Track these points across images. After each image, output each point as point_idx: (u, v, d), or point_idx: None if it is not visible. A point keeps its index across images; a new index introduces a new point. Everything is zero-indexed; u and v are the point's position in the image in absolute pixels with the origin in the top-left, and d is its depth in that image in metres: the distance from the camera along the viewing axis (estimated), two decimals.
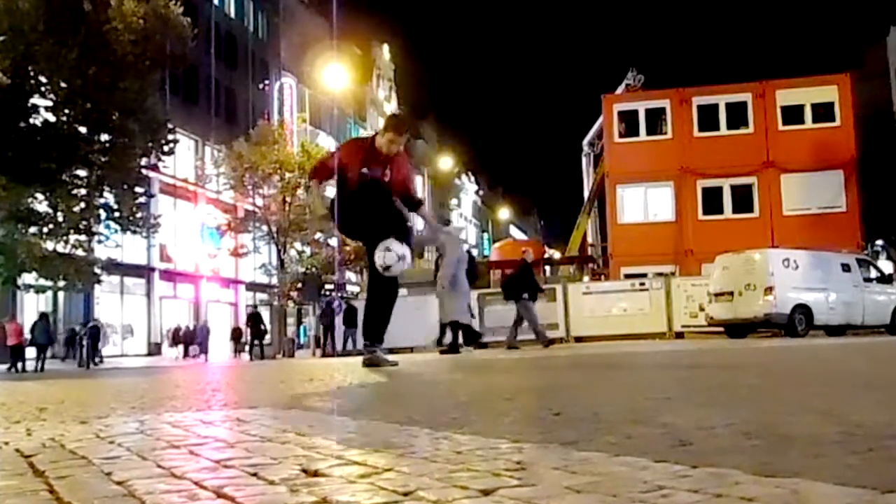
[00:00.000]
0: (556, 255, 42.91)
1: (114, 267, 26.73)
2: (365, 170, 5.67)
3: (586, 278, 30.33)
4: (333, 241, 33.62)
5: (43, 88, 21.04)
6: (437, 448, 1.50)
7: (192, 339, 31.55)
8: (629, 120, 28.00)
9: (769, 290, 15.72)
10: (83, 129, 21.76)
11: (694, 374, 4.27)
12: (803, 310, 15.73)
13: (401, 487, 1.12)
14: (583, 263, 33.53)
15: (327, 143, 41.48)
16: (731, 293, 16.53)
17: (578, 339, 19.40)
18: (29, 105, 20.88)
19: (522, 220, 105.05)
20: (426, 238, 8.09)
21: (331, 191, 6.03)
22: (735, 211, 26.30)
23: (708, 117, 26.96)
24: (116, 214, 22.95)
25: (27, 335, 22.70)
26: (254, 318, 28.73)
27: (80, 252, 22.50)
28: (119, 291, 33.59)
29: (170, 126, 24.19)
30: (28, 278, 23.61)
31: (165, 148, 24.20)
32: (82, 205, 21.95)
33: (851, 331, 16.35)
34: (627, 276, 24.02)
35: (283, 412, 2.54)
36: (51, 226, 21.64)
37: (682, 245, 25.84)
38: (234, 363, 21.80)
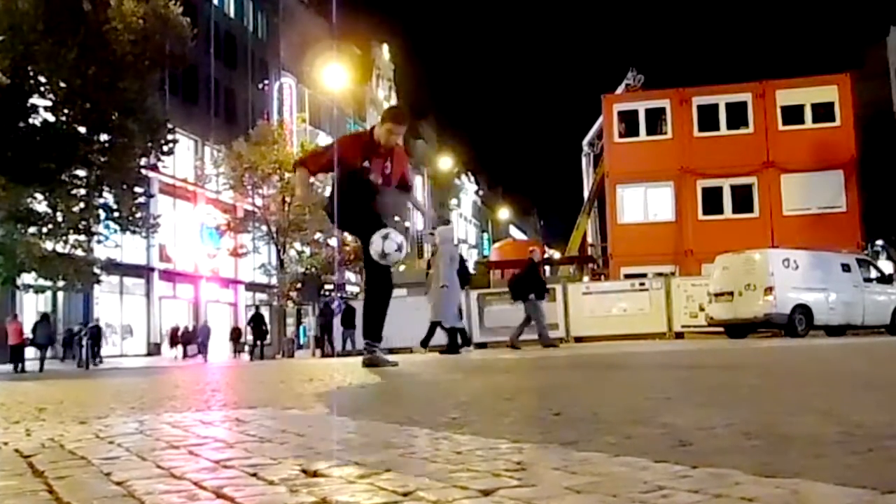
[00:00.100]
0: (556, 255, 42.91)
1: (113, 267, 26.73)
2: (367, 163, 5.65)
3: (586, 278, 30.32)
4: (333, 241, 33.63)
5: (42, 88, 21.05)
6: (437, 448, 1.50)
7: (190, 340, 31.55)
8: (629, 120, 28.00)
9: (769, 290, 15.72)
10: (82, 129, 21.76)
11: (694, 375, 4.27)
12: (803, 310, 15.73)
13: (401, 487, 1.12)
14: (583, 263, 33.52)
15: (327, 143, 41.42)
16: (731, 293, 16.54)
17: (578, 340, 19.41)
18: (28, 105, 20.88)
19: (522, 220, 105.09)
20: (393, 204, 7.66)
21: (328, 192, 6.03)
22: (735, 211, 26.31)
23: (708, 117, 26.96)
24: (116, 214, 22.95)
25: (28, 335, 22.72)
26: (256, 319, 28.71)
27: (79, 252, 22.51)
28: (118, 291, 33.57)
29: (169, 126, 24.19)
30: (27, 278, 23.61)
31: (165, 148, 24.21)
32: (82, 205, 21.95)
33: (851, 331, 16.36)
34: (627, 277, 24.02)
35: (283, 412, 2.53)
36: (50, 226, 21.65)
37: (682, 245, 25.85)
38: (234, 363, 21.80)
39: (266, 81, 45.61)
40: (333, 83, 42.09)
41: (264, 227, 34.14)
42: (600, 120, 30.33)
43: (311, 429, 1.96)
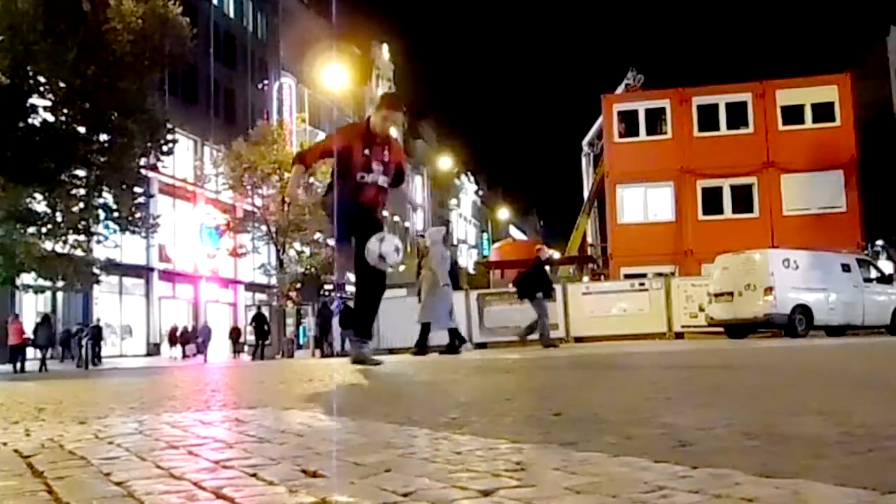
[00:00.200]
0: (556, 255, 42.88)
1: (113, 267, 26.71)
2: (367, 151, 5.70)
3: (586, 278, 30.33)
4: (333, 241, 33.56)
5: (42, 88, 21.03)
6: (437, 448, 1.50)
7: (189, 340, 31.56)
8: (629, 120, 28.00)
9: (769, 290, 15.72)
10: (82, 129, 21.75)
11: (694, 375, 4.27)
12: (803, 310, 15.72)
13: (401, 487, 1.12)
14: (582, 263, 33.53)
15: None
16: (731, 293, 16.53)
17: (578, 340, 19.39)
18: (28, 105, 20.86)
19: (522, 220, 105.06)
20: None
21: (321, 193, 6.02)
22: (735, 211, 26.31)
23: (708, 117, 26.96)
24: (115, 214, 22.93)
25: (29, 336, 22.74)
26: (258, 319, 28.72)
27: (78, 252, 22.49)
28: (118, 292, 33.56)
29: (169, 126, 24.16)
30: (27, 278, 23.60)
31: (164, 148, 24.19)
32: (81, 205, 21.94)
33: (851, 331, 16.35)
34: (627, 277, 24.00)
35: (282, 412, 2.53)
36: (49, 226, 21.63)
37: (681, 245, 25.85)
38: (234, 363, 21.80)
39: (266, 81, 45.61)
40: (333, 83, 42.08)
41: (264, 228, 34.12)
42: (600, 120, 30.33)
43: (310, 429, 1.95)
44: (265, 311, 33.73)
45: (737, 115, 26.85)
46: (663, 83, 31.12)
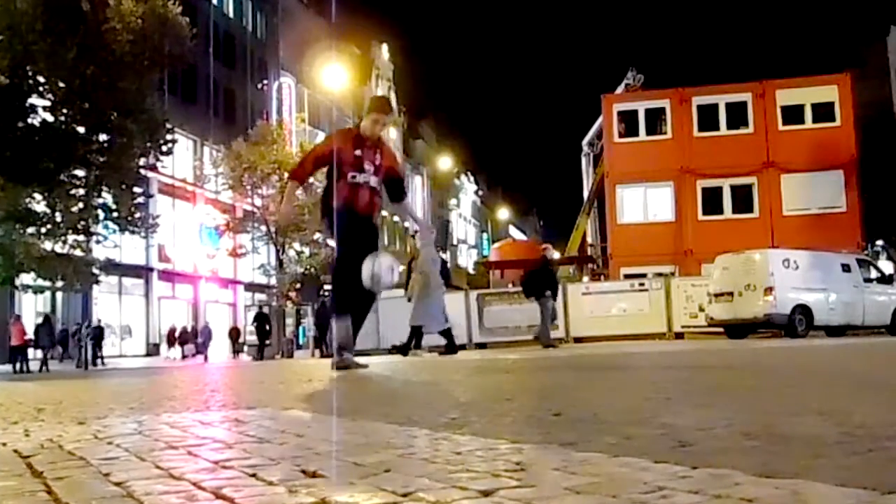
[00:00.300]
0: (556, 255, 42.91)
1: (112, 267, 26.71)
2: (358, 152, 5.72)
3: (586, 278, 30.35)
4: (332, 242, 33.54)
5: (41, 88, 21.02)
6: (437, 449, 1.49)
7: (188, 340, 31.54)
8: (629, 120, 28.01)
9: (769, 290, 15.72)
10: (81, 129, 21.74)
11: (694, 375, 4.27)
12: (803, 310, 15.72)
13: (400, 488, 1.11)
14: (582, 264, 33.55)
15: None
16: (731, 293, 16.53)
17: (578, 340, 19.39)
18: (27, 105, 20.86)
19: (522, 220, 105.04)
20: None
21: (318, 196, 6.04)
22: (735, 211, 26.32)
23: (708, 117, 26.97)
24: (115, 214, 22.93)
25: (31, 336, 22.76)
26: (260, 319, 28.72)
27: (78, 252, 22.49)
28: (117, 292, 33.55)
29: (168, 126, 24.15)
30: (26, 278, 23.60)
31: (164, 148, 24.18)
32: (80, 205, 21.93)
33: (851, 331, 16.35)
34: (627, 277, 24.02)
35: (282, 413, 2.53)
36: (49, 226, 21.63)
37: (681, 245, 25.85)
38: (233, 363, 21.80)
39: (265, 81, 45.60)
40: (333, 83, 42.06)
41: (263, 228, 34.10)
42: (600, 120, 30.34)
43: (310, 429, 1.95)
44: (265, 311, 33.74)
45: (737, 115, 26.86)
46: (663, 83, 31.17)
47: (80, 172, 21.92)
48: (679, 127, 27.01)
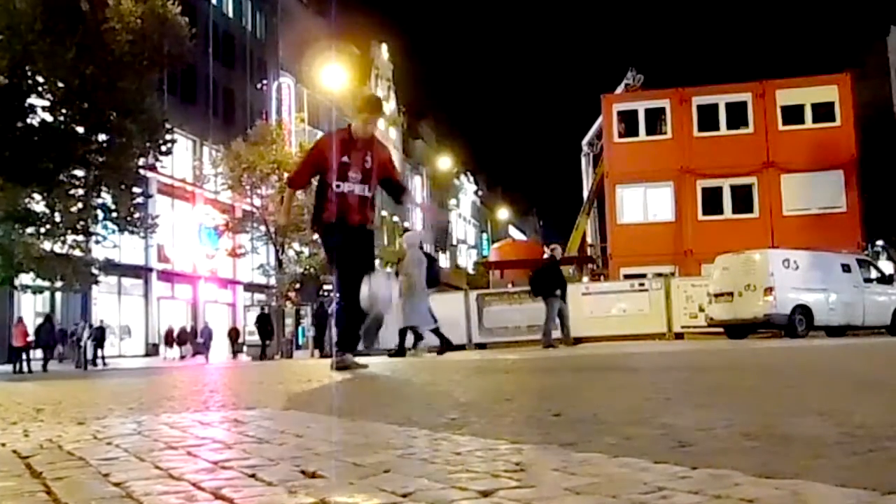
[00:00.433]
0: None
1: (111, 267, 26.72)
2: (346, 158, 5.62)
3: (586, 279, 30.32)
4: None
5: (40, 88, 21.03)
6: (436, 449, 1.49)
7: (186, 340, 31.49)
8: (629, 120, 28.01)
9: (769, 290, 15.71)
10: (81, 129, 21.75)
11: (693, 375, 4.26)
12: (803, 310, 15.72)
13: (400, 488, 1.11)
14: (582, 264, 33.52)
15: None
16: (731, 294, 16.52)
17: (578, 340, 19.38)
18: (26, 105, 20.86)
19: (521, 220, 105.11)
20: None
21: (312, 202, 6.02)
22: (735, 211, 26.32)
23: (708, 117, 26.97)
24: (114, 215, 22.94)
25: (32, 336, 22.77)
26: (262, 319, 28.70)
27: (77, 252, 22.50)
28: (117, 292, 33.57)
29: (168, 126, 24.17)
30: (25, 279, 23.60)
31: (163, 148, 24.19)
32: (80, 205, 21.94)
33: (851, 331, 16.34)
34: (627, 277, 24.00)
35: (281, 413, 2.53)
36: (48, 226, 21.64)
37: (681, 245, 25.85)
38: (233, 364, 21.79)
39: (265, 81, 45.61)
40: (332, 83, 42.06)
41: (263, 228, 34.09)
42: (600, 120, 30.34)
43: (309, 429, 1.95)
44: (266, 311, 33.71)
45: (737, 115, 26.86)
46: (663, 83, 31.18)
47: (79, 172, 21.93)
48: (679, 127, 27.01)
